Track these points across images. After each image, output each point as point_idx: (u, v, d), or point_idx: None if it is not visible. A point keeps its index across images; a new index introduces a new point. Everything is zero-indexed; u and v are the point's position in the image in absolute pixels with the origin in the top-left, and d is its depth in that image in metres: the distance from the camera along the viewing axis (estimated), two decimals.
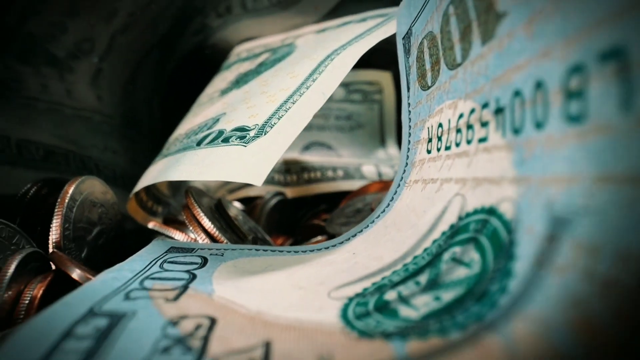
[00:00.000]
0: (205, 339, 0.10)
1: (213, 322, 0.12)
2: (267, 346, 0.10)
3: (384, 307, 0.11)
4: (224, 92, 0.29)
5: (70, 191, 0.23)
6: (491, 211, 0.12)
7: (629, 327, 0.07)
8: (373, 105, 0.46)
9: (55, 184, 0.25)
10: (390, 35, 0.24)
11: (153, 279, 0.15)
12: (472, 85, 0.14)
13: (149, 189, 0.32)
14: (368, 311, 0.11)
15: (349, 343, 0.10)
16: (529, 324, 0.08)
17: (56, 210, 0.22)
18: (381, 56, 0.33)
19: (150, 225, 0.27)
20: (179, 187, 0.38)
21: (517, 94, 0.11)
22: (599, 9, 0.08)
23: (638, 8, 0.07)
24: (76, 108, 0.35)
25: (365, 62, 0.25)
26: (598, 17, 0.08)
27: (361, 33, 0.25)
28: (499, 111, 0.12)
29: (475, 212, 0.13)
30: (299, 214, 0.36)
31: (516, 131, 0.11)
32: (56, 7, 0.32)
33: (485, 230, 0.12)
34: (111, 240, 0.27)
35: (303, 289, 0.14)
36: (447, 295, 0.11)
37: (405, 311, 0.11)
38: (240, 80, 0.28)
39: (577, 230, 0.08)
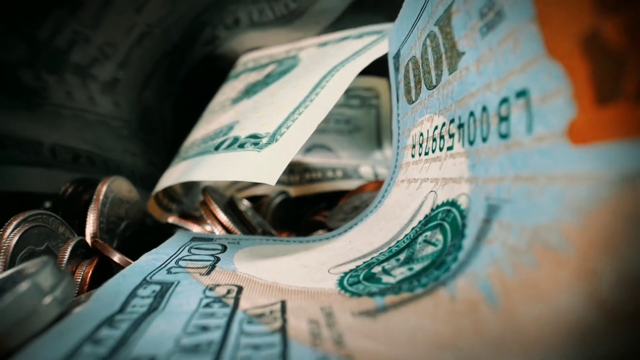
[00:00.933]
0: (237, 299, 0.14)
1: (240, 288, 0.15)
2: (283, 303, 0.14)
3: (371, 277, 0.15)
4: (235, 101, 0.32)
5: (104, 190, 0.27)
6: (453, 203, 0.16)
7: (522, 276, 0.10)
8: (370, 110, 0.50)
9: (88, 182, 0.29)
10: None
11: (185, 260, 0.19)
12: (444, 104, 0.18)
13: (165, 189, 0.36)
14: (359, 280, 0.15)
15: (343, 299, 0.14)
16: (466, 279, 0.12)
17: (92, 206, 0.26)
18: (378, 64, 0.36)
19: (171, 220, 0.31)
20: (191, 187, 0.42)
21: (471, 114, 0.15)
22: (513, 61, 0.12)
23: (534, 65, 0.11)
24: (97, 114, 0.39)
25: (364, 69, 0.28)
26: (514, 67, 0.12)
27: (358, 50, 0.29)
28: (460, 126, 0.16)
29: (443, 204, 0.16)
30: (302, 211, 0.40)
31: (471, 142, 0.15)
32: (84, 19, 0.36)
33: (448, 218, 0.15)
34: (136, 233, 0.31)
35: (308, 267, 0.18)
36: (418, 266, 0.15)
37: (386, 279, 0.15)
38: (250, 91, 0.32)
39: (501, 214, 0.12)
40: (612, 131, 0.08)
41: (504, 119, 0.13)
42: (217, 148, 0.25)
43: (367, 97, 0.51)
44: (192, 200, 0.41)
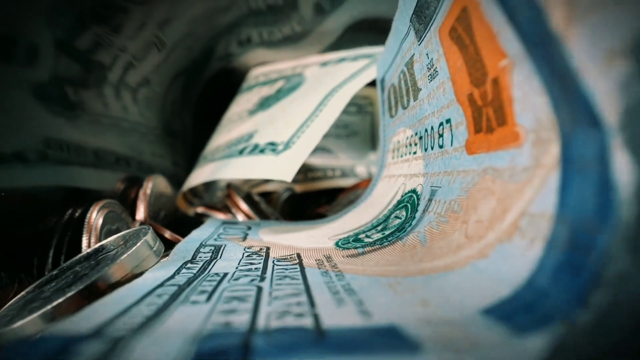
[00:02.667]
0: (267, 253, 0.22)
1: (268, 248, 0.23)
2: (298, 253, 0.22)
3: (357, 240, 0.23)
4: (252, 112, 0.41)
5: (150, 185, 0.35)
6: (414, 191, 0.24)
7: (440, 228, 0.18)
8: (365, 117, 0.58)
9: (134, 180, 0.37)
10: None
11: (223, 234, 0.27)
12: (411, 121, 0.26)
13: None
14: (349, 242, 0.23)
15: (337, 250, 0.22)
16: (413, 235, 0.20)
17: (142, 197, 0.34)
18: None
19: (200, 210, 0.39)
20: (210, 185, 0.50)
21: (426, 130, 0.23)
22: (444, 100, 0.20)
23: (452, 105, 0.19)
24: (131, 122, 0.47)
25: None
26: (444, 104, 0.20)
27: (353, 73, 0.37)
28: (420, 138, 0.24)
29: (408, 192, 0.24)
30: (305, 205, 0.48)
31: (425, 149, 0.23)
32: (123, 39, 0.44)
33: (410, 201, 0.23)
34: (171, 222, 0.39)
35: (314, 237, 0.26)
36: (388, 232, 0.23)
37: (366, 240, 0.23)
38: (264, 104, 0.40)
39: (436, 195, 0.20)
40: (480, 148, 0.17)
41: (441, 135, 0.21)
42: (241, 152, 0.33)
43: (363, 105, 0.59)
44: (210, 196, 0.49)
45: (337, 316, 0.12)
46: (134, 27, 0.45)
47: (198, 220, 0.40)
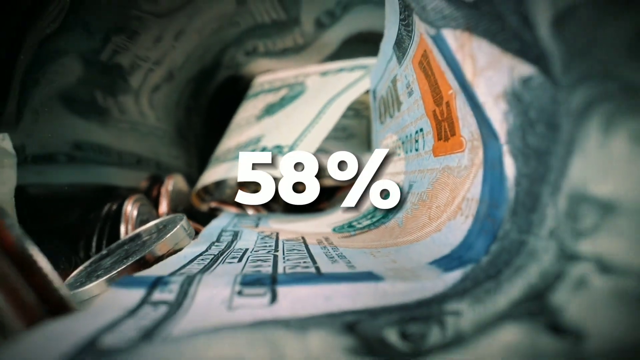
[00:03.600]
0: (277, 237, 0.28)
1: (277, 233, 0.29)
2: (303, 237, 0.28)
3: (350, 226, 0.29)
4: (259, 118, 0.46)
5: (171, 182, 0.41)
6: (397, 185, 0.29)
7: (413, 213, 0.24)
8: (362, 120, 0.63)
9: (156, 178, 0.43)
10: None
11: (238, 223, 0.33)
12: (396, 128, 0.32)
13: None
14: (343, 227, 0.29)
15: (334, 234, 0.28)
16: (394, 220, 0.26)
17: (164, 193, 0.40)
18: None
19: (213, 205, 0.45)
20: (219, 184, 0.55)
21: (407, 136, 0.29)
22: (417, 113, 0.26)
23: (423, 118, 0.25)
24: (148, 126, 0.53)
25: None
26: (418, 116, 0.26)
27: (350, 83, 0.43)
28: (403, 143, 0.30)
29: None
30: None
31: (406, 152, 0.29)
32: (143, 49, 0.50)
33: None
34: (187, 217, 0.44)
35: (315, 225, 0.32)
36: (375, 219, 0.29)
37: (358, 225, 0.29)
38: (270, 110, 0.46)
39: (412, 188, 0.26)
40: (441, 151, 0.22)
41: (416, 141, 0.27)
42: None
43: (360, 109, 0.65)
44: (220, 193, 0.55)
45: (332, 268, 0.18)
46: (153, 38, 0.51)
47: (211, 214, 0.45)
